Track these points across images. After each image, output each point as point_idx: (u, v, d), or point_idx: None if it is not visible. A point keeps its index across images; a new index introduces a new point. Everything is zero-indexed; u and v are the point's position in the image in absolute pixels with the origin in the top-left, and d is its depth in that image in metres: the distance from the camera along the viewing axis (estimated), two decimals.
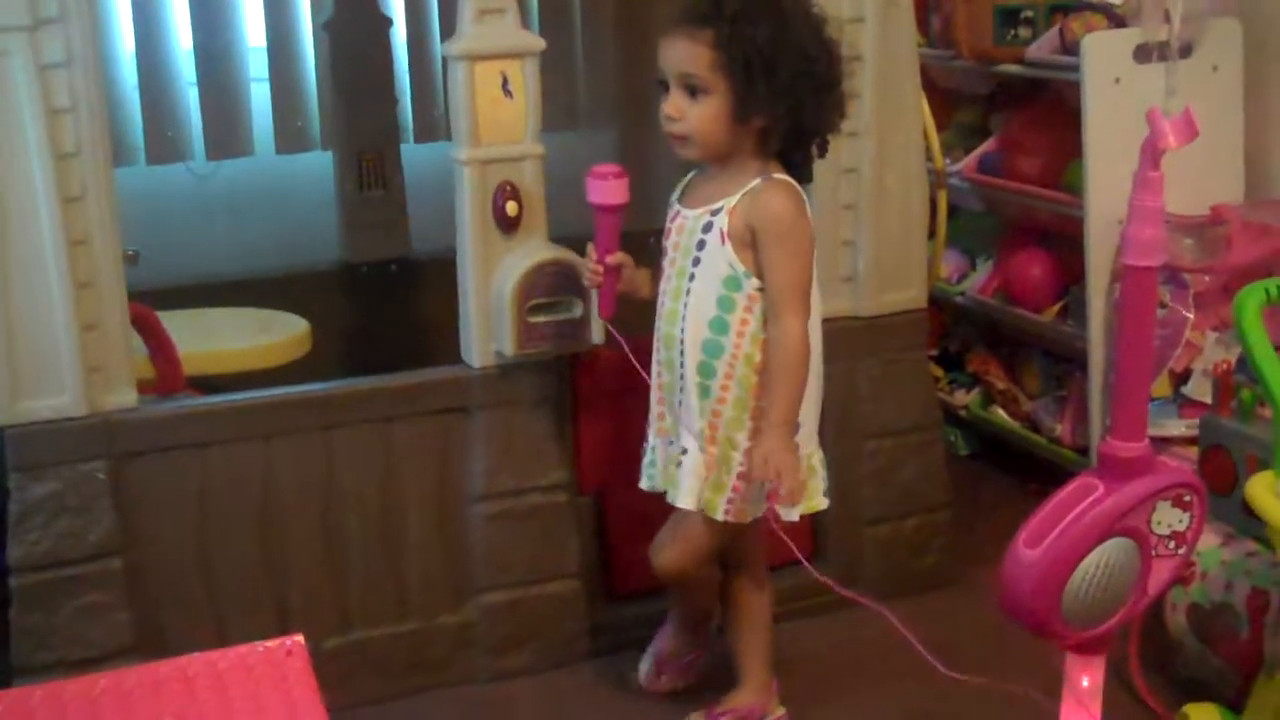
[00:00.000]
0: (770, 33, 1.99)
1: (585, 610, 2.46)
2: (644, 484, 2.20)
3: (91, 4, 2.11)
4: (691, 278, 2.09)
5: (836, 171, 2.51)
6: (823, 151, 2.12)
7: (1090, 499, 1.71)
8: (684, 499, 2.12)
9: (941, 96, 3.28)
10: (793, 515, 2.10)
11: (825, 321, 2.41)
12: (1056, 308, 3.08)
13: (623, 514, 2.46)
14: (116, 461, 2.19)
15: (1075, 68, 2.77)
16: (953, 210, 2.96)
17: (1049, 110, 3.10)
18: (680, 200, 2.14)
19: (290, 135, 3.31)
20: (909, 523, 2.67)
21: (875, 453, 2.61)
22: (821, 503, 2.18)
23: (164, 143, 3.19)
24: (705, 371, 2.09)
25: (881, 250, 2.57)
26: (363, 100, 3.19)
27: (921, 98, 2.60)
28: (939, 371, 3.38)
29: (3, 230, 2.09)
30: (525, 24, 2.34)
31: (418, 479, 2.37)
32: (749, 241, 2.05)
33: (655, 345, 2.16)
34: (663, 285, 2.14)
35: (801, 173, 2.12)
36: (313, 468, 2.31)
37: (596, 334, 2.34)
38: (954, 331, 3.47)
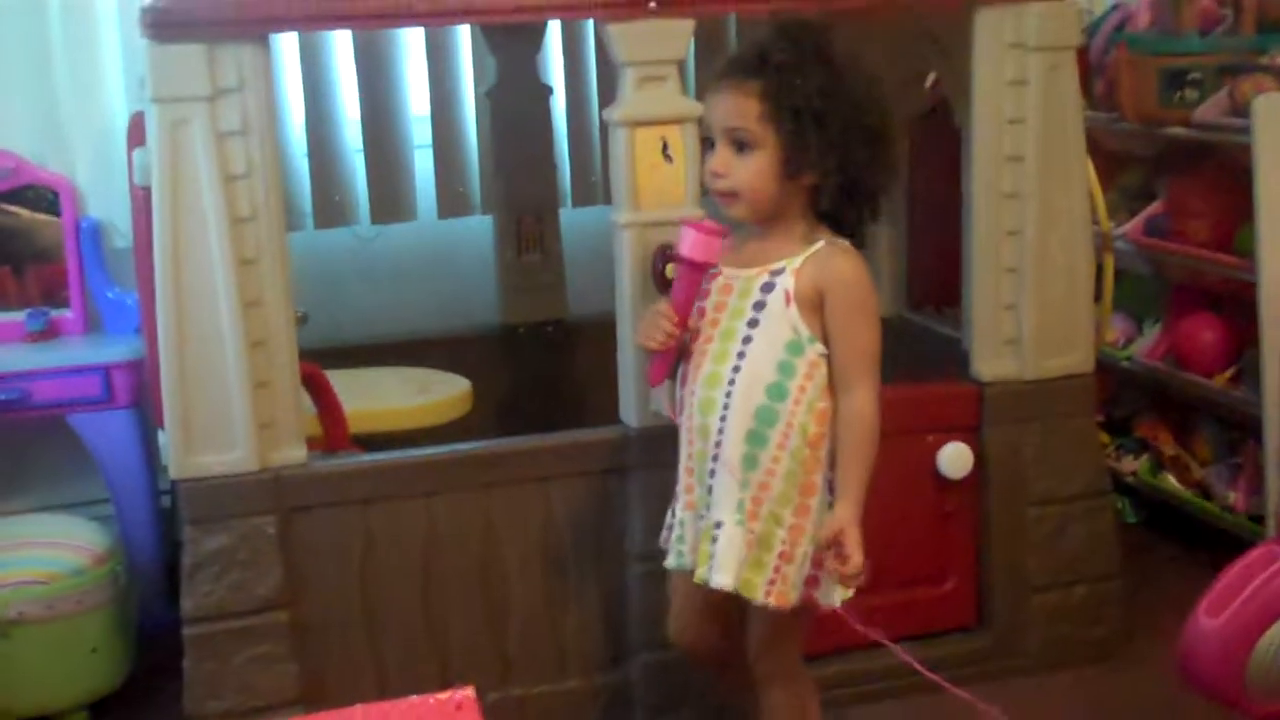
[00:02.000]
0: (820, 83, 1.92)
1: (743, 672, 2.43)
2: (671, 562, 2.05)
3: (268, 75, 2.19)
4: (746, 339, 1.97)
5: (999, 234, 2.49)
6: (875, 214, 2.00)
7: (1274, 568, 1.65)
8: (720, 578, 1.95)
9: (1105, 158, 3.22)
10: (835, 601, 1.98)
11: (989, 385, 2.38)
12: (1229, 373, 2.99)
13: None
14: (285, 516, 2.24)
15: (1245, 129, 2.72)
16: (1118, 273, 2.90)
17: (1217, 172, 3.03)
18: (725, 260, 2.01)
19: (452, 200, 3.37)
20: (1076, 591, 2.60)
21: (1041, 519, 2.55)
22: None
23: (331, 207, 3.27)
24: (755, 440, 1.95)
25: (1046, 314, 2.52)
26: (522, 166, 3.24)
27: (1087, 160, 2.56)
28: (1105, 437, 3.30)
29: (180, 291, 2.17)
30: (684, 90, 2.36)
31: (576, 537, 2.39)
32: (816, 305, 1.94)
33: (687, 411, 2.02)
34: (699, 346, 2.01)
35: (855, 235, 2.01)
36: (473, 524, 2.34)
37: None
38: (1121, 397, 3.39)
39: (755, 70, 1.93)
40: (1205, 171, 3.08)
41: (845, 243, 1.99)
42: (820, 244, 1.96)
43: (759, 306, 1.97)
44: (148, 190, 2.21)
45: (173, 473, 2.22)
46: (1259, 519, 2.86)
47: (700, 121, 2.07)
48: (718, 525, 1.97)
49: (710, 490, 1.99)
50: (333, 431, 2.52)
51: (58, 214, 2.95)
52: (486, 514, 2.34)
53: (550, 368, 3.22)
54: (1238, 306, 2.94)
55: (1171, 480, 3.18)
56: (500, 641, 2.37)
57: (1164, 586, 2.81)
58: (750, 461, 1.95)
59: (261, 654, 2.23)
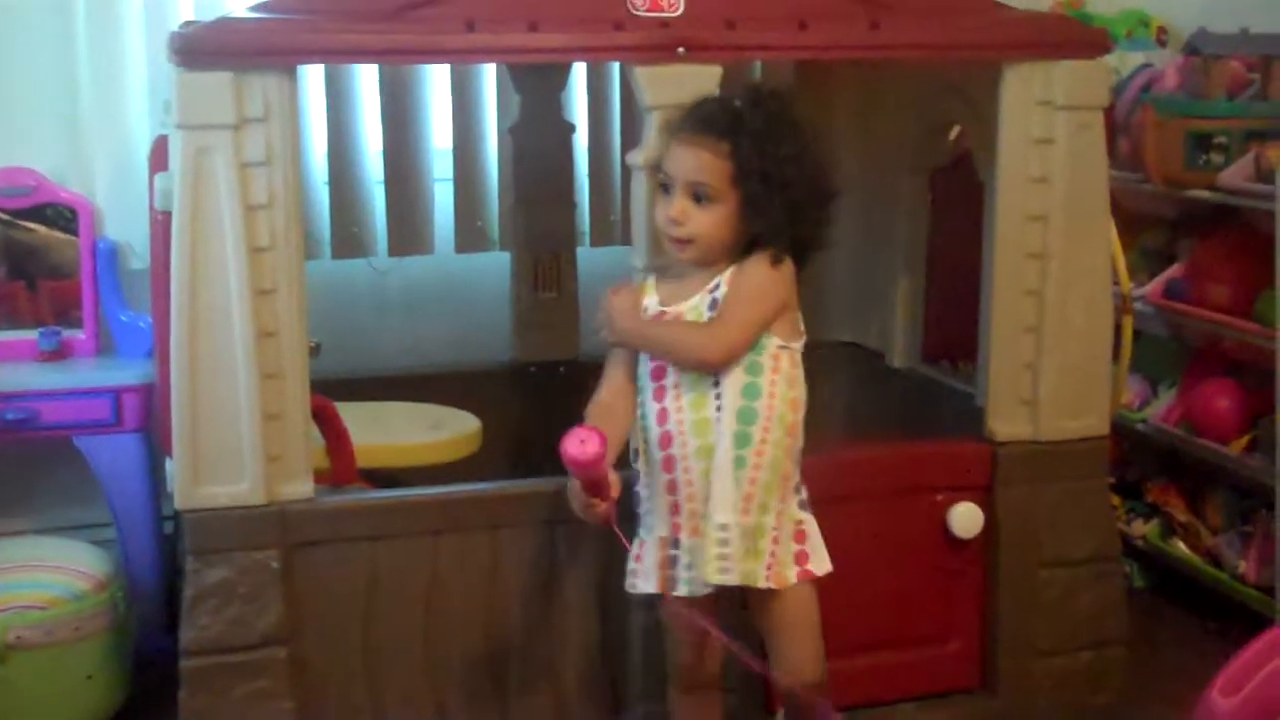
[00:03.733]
0: (787, 151, 2.07)
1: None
2: (683, 590, 2.12)
3: (293, 105, 2.18)
4: None
5: (1019, 293, 2.47)
6: (801, 265, 2.14)
7: None
8: (729, 576, 2.07)
9: (1127, 218, 3.20)
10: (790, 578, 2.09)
11: (1002, 445, 2.36)
12: (1245, 440, 2.97)
13: None
14: (288, 551, 2.22)
15: (1270, 196, 2.70)
16: (1135, 335, 2.88)
17: (1240, 238, 3.02)
18: (661, 298, 2.16)
19: (470, 235, 3.37)
20: (1083, 656, 2.57)
21: (1050, 582, 2.52)
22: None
23: (349, 238, 3.27)
24: (742, 442, 2.07)
25: (1063, 375, 2.50)
26: (542, 204, 3.23)
27: (1110, 222, 2.54)
28: (1116, 500, 3.27)
29: (195, 318, 2.15)
30: None
31: (579, 582, 2.37)
32: None
33: (676, 440, 2.11)
34: (668, 380, 2.12)
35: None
36: (478, 566, 2.32)
37: None
38: (1133, 459, 3.36)
39: (728, 132, 2.07)
40: (1228, 236, 3.07)
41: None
42: (745, 260, 2.12)
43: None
44: (167, 215, 2.20)
45: (178, 503, 2.20)
46: (1270, 590, 2.82)
47: (657, 167, 2.15)
48: (722, 527, 2.07)
49: (708, 500, 2.08)
50: (340, 466, 2.51)
51: (75, 233, 2.95)
52: (492, 556, 2.32)
53: (561, 408, 3.17)
54: (1255, 374, 2.92)
55: (1181, 547, 3.15)
56: (500, 686, 2.35)
57: (1170, 654, 2.78)
58: (740, 461, 2.07)
59: (258, 689, 2.20)
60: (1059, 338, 2.49)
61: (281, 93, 2.15)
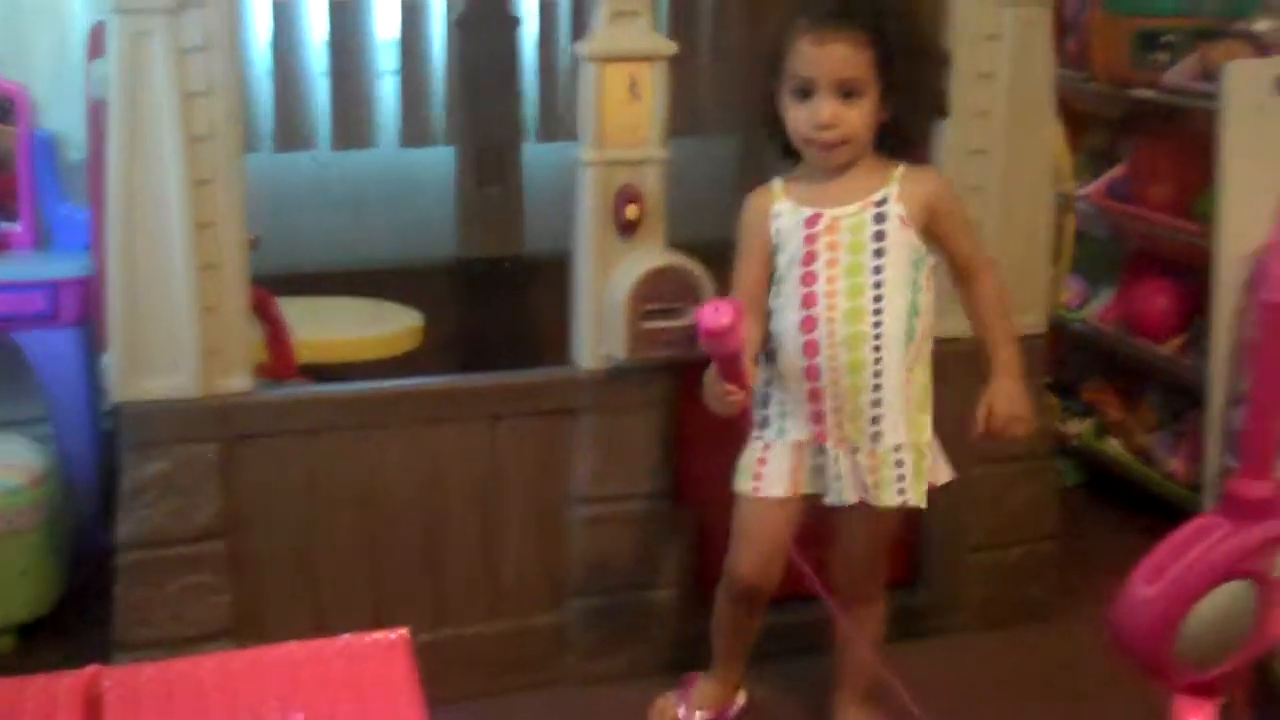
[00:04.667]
0: (913, 23, 2.05)
1: (679, 621, 2.45)
2: (832, 499, 2.10)
3: None
4: (877, 269, 2.04)
5: (962, 189, 2.46)
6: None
7: (1213, 538, 1.67)
8: (912, 496, 2.08)
9: (1072, 118, 3.21)
10: (919, 499, 2.10)
11: (941, 341, 2.38)
12: (1179, 340, 3.01)
13: (722, 527, 2.43)
14: (227, 444, 2.22)
15: (1214, 95, 2.71)
16: (1077, 235, 2.90)
17: (1183, 138, 3.02)
18: (804, 203, 2.08)
19: (415, 129, 3.34)
20: (1014, 552, 2.62)
21: (984, 479, 2.55)
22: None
23: (291, 131, 3.23)
24: (905, 361, 2.07)
25: (1003, 272, 2.51)
26: (488, 97, 3.20)
27: (1055, 120, 2.55)
28: (1052, 399, 3.31)
29: (132, 209, 2.13)
30: (656, 27, 2.33)
31: (521, 479, 2.37)
32: (924, 223, 2.07)
33: (824, 350, 2.05)
34: (819, 288, 2.05)
35: (907, 153, 2.14)
36: (418, 462, 2.32)
37: None
38: (1070, 359, 3.40)
39: (867, 20, 2.00)
40: (1171, 136, 3.08)
41: (907, 165, 2.10)
42: (899, 169, 2.08)
43: (880, 236, 2.05)
44: (104, 103, 2.17)
45: (115, 396, 2.19)
46: (1198, 488, 2.88)
47: (783, 71, 2.04)
48: (897, 448, 2.07)
49: (876, 420, 2.06)
50: (280, 360, 2.50)
51: (12, 124, 2.89)
52: (432, 451, 2.32)
53: (504, 304, 3.20)
54: (1193, 274, 2.94)
55: (1115, 445, 3.20)
56: (438, 580, 2.36)
57: (1102, 550, 2.83)
58: (909, 382, 2.07)
59: (196, 583, 2.20)
60: (1000, 235, 2.49)
61: None
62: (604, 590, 2.40)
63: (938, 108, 2.14)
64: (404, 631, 1.60)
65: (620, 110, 2.28)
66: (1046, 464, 2.64)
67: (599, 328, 2.33)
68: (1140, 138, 3.17)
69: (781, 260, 2.09)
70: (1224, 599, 1.66)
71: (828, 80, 2.00)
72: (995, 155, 2.47)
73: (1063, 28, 3.19)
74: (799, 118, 2.03)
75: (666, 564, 2.43)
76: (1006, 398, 2.06)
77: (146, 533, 2.18)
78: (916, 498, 2.09)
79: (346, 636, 1.60)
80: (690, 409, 2.39)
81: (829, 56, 2.00)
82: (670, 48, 2.30)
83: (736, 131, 3.42)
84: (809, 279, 2.07)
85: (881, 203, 2.06)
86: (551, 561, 2.40)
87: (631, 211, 2.29)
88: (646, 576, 2.42)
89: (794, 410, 2.11)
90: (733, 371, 1.95)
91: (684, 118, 3.28)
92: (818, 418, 2.09)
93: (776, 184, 2.13)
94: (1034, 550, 2.64)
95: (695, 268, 2.30)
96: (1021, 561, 2.63)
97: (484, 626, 2.39)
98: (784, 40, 2.03)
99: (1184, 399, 3.05)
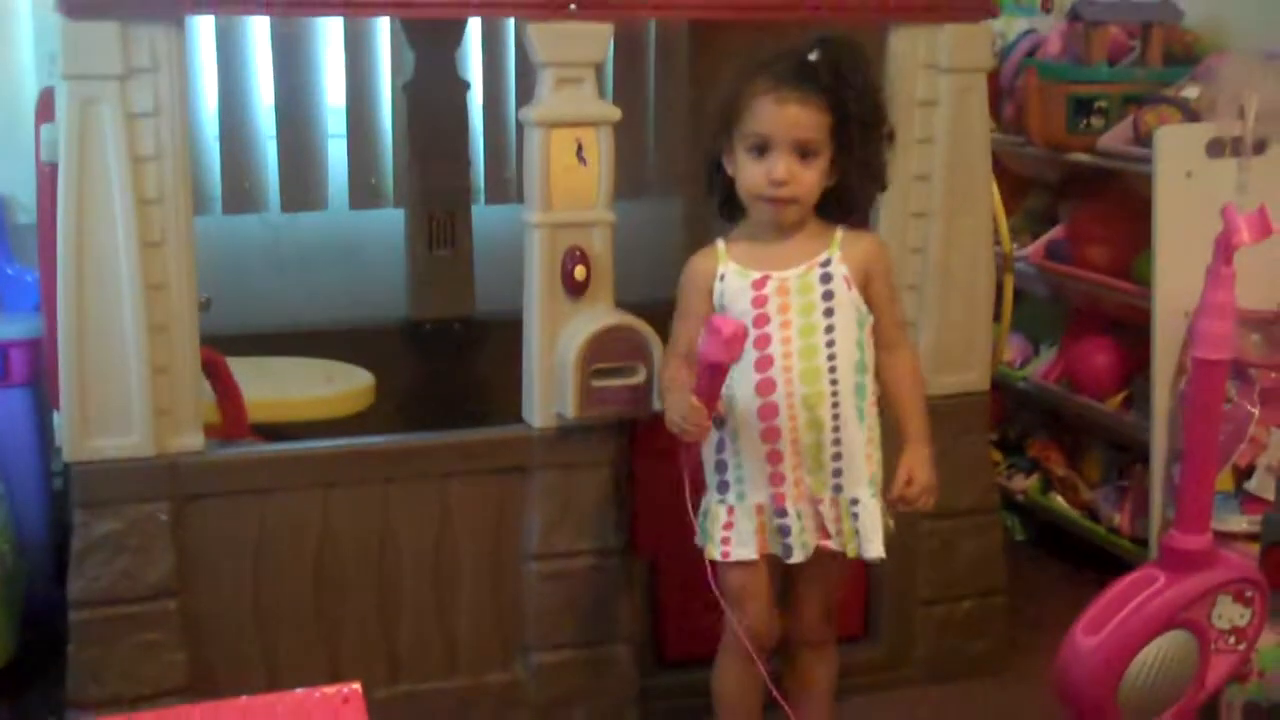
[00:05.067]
0: (872, 97, 2.10)
1: (634, 675, 2.46)
2: (797, 556, 2.12)
3: (181, 56, 2.16)
4: (829, 328, 2.09)
5: (903, 251, 2.52)
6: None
7: (1151, 589, 1.71)
8: (873, 549, 2.11)
9: (1011, 181, 3.29)
10: (881, 551, 2.12)
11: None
12: (1120, 397, 3.06)
13: (675, 580, 2.46)
14: (179, 503, 2.22)
15: (1147, 159, 2.77)
16: (1018, 295, 2.95)
17: (1119, 200, 3.10)
18: (750, 265, 2.12)
19: (364, 192, 3.36)
20: (963, 605, 2.65)
21: (932, 533, 2.59)
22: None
23: (240, 194, 3.25)
24: (861, 416, 2.11)
25: (944, 332, 2.57)
26: (437, 161, 3.23)
27: (992, 182, 2.61)
28: (999, 456, 3.36)
29: (83, 271, 2.14)
30: (601, 93, 2.37)
31: (473, 536, 2.39)
32: (863, 284, 2.12)
33: (783, 411, 2.08)
34: (774, 349, 2.08)
35: (848, 219, 2.19)
36: (370, 520, 2.33)
37: (658, 400, 2.35)
38: (1015, 417, 3.46)
39: (827, 85, 2.04)
40: (1107, 199, 3.15)
41: (845, 229, 2.16)
42: (839, 233, 2.13)
43: (828, 296, 2.10)
44: (54, 167, 2.18)
45: (67, 455, 2.19)
46: (1143, 541, 2.92)
47: (737, 128, 2.09)
48: (854, 502, 2.10)
49: (838, 473, 2.10)
50: (232, 419, 2.50)
51: None
52: (384, 509, 2.33)
53: (455, 364, 3.22)
54: (1132, 332, 3.00)
55: (1060, 500, 3.25)
56: (392, 637, 2.37)
57: (1049, 604, 2.86)
58: (865, 437, 2.11)
59: (149, 641, 2.20)
60: (941, 295, 2.55)
61: (169, 43, 2.13)
62: (559, 645, 2.41)
63: (880, 180, 2.17)
64: (356, 686, 1.60)
65: (567, 174, 2.31)
66: (993, 519, 2.68)
67: (549, 387, 2.35)
68: (1078, 200, 3.24)
69: None
70: (1164, 649, 1.69)
71: (786, 138, 2.04)
72: (935, 218, 2.52)
73: (999, 94, 3.27)
74: (754, 174, 2.07)
75: (621, 618, 2.44)
76: (924, 466, 2.11)
77: (99, 591, 2.18)
78: (877, 549, 2.11)
79: (300, 691, 1.60)
80: (644, 463, 2.42)
81: (789, 115, 2.04)
82: (615, 113, 2.35)
83: (681, 194, 3.47)
84: (762, 342, 2.09)
85: (826, 263, 2.11)
86: (506, 618, 2.41)
87: (579, 272, 2.32)
88: (601, 631, 2.43)
89: (751, 474, 2.12)
90: (714, 390, 1.99)
91: (630, 181, 3.34)
92: (777, 479, 2.11)
93: (720, 245, 2.16)
94: (982, 604, 2.67)
95: (643, 327, 2.34)
96: (970, 615, 2.66)
97: (440, 682, 2.39)
98: (740, 98, 2.07)
99: (1127, 455, 3.10)
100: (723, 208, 2.18)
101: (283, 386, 2.79)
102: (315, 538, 2.30)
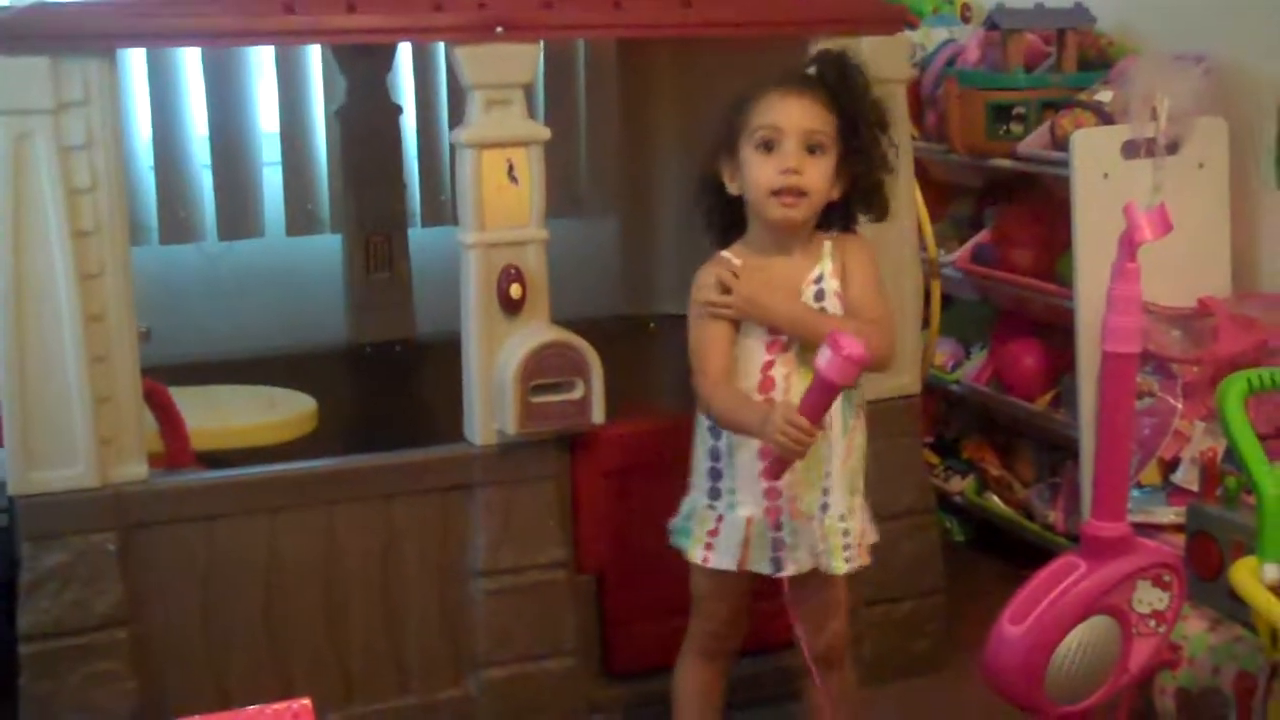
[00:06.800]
0: (874, 102, 2.14)
1: (583, 688, 2.49)
2: (790, 570, 2.14)
3: (114, 88, 2.19)
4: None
5: None
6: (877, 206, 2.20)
7: (1072, 577, 1.76)
8: (860, 561, 2.16)
9: (936, 189, 3.35)
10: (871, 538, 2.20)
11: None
12: (1049, 396, 3.12)
13: (621, 593, 2.50)
14: (125, 533, 2.23)
15: (1065, 163, 2.83)
16: (948, 300, 3.00)
17: (1040, 203, 3.17)
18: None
19: (300, 218, 3.38)
20: (903, 606, 2.70)
21: None
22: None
23: (177, 223, 3.26)
24: (847, 431, 2.13)
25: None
26: (372, 185, 3.25)
27: (915, 189, 2.66)
28: (934, 458, 3.42)
29: (21, 305, 2.15)
30: (531, 113, 2.41)
31: (419, 555, 2.41)
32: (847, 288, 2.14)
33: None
34: (776, 373, 2.11)
35: (847, 228, 2.22)
36: (316, 542, 2.35)
37: (597, 414, 2.39)
38: (949, 419, 3.51)
39: (834, 87, 2.10)
40: (1028, 202, 3.21)
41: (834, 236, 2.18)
42: (828, 243, 2.15)
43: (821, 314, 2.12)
44: None
45: (11, 489, 2.20)
46: (1077, 538, 2.96)
47: (743, 131, 2.11)
48: (842, 517, 2.13)
49: (826, 491, 2.12)
50: (175, 448, 2.52)
51: None
52: (330, 531, 2.35)
53: (397, 387, 3.24)
54: (1058, 332, 3.06)
55: (996, 500, 3.30)
56: (343, 658, 2.39)
57: (987, 602, 2.87)
58: (850, 451, 2.14)
59: (100, 671, 2.21)
60: None
61: (101, 76, 2.15)
62: (507, 661, 2.43)
63: (881, 202, 2.18)
64: (306, 702, 1.63)
65: (499, 194, 2.35)
66: (930, 519, 2.74)
67: (489, 404, 2.38)
68: (1001, 205, 3.31)
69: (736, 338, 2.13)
70: (1087, 634, 1.75)
71: (795, 129, 2.06)
72: (860, 227, 2.57)
73: (921, 103, 3.33)
74: (764, 169, 2.08)
75: (567, 633, 2.47)
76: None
77: (48, 623, 2.19)
78: (861, 559, 2.16)
79: (251, 709, 1.63)
80: (585, 478, 2.46)
81: (797, 108, 2.07)
82: (544, 133, 2.39)
83: (615, 210, 3.51)
84: (766, 366, 2.12)
85: (819, 279, 2.13)
86: (454, 635, 2.44)
87: (515, 290, 2.36)
88: (549, 645, 2.45)
89: (745, 485, 2.13)
90: (825, 409, 1.97)
91: (563, 199, 3.38)
92: (772, 494, 2.12)
93: (728, 256, 2.16)
94: (922, 604, 2.72)
95: (580, 343, 2.38)
96: (910, 615, 2.71)
97: (392, 701, 2.41)
98: (745, 104, 2.11)
99: (1058, 453, 3.16)
100: (715, 229, 2.20)
101: (225, 414, 2.80)
102: (263, 563, 2.32)
